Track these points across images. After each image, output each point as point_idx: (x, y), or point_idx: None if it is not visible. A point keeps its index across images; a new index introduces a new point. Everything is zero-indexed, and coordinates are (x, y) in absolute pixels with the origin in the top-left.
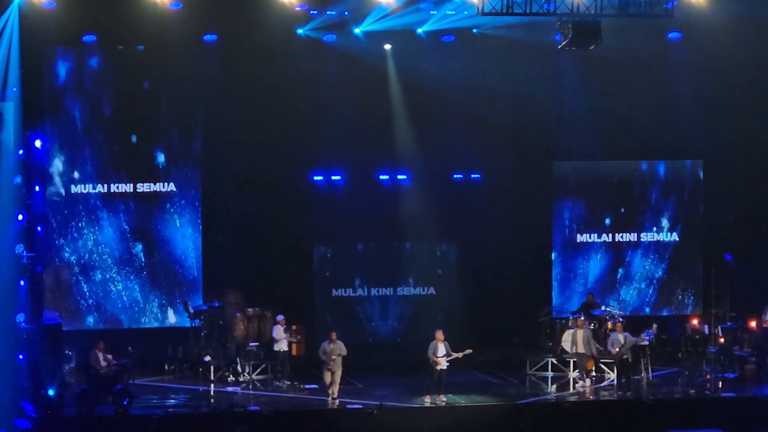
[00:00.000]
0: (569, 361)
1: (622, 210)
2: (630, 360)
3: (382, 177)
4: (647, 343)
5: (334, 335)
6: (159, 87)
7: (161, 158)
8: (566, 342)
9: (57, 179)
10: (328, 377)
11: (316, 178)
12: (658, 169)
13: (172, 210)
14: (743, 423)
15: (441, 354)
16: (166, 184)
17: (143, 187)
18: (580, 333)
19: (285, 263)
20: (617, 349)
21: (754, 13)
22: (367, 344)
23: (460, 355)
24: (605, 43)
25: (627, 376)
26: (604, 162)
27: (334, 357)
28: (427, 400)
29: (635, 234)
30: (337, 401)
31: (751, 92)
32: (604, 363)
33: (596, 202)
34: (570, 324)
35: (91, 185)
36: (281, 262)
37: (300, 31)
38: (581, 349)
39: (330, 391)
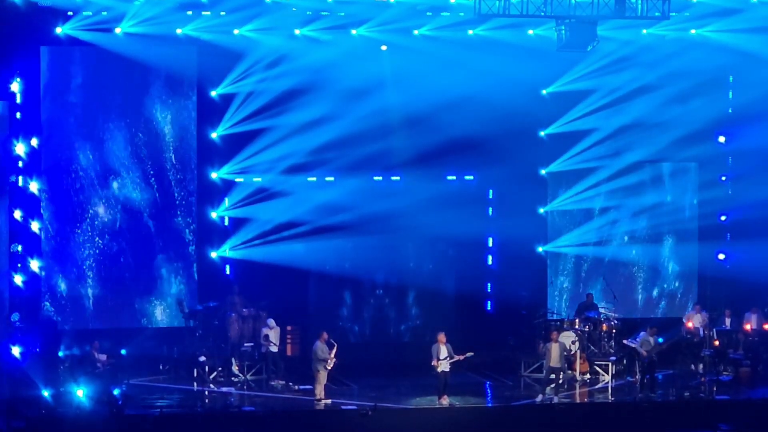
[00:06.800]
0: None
1: (617, 212)
2: (656, 361)
3: (375, 178)
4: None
5: (325, 335)
6: None
7: None
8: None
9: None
10: (324, 377)
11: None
12: (652, 169)
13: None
14: (738, 426)
15: (443, 356)
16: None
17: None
18: (554, 347)
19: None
20: (646, 351)
21: None
22: (363, 344)
23: (461, 357)
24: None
25: (651, 376)
26: (596, 162)
27: (334, 358)
28: (444, 402)
29: (630, 235)
30: (330, 401)
31: None
32: (598, 365)
33: (591, 204)
34: (565, 326)
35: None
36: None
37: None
38: (555, 363)
39: (319, 393)
